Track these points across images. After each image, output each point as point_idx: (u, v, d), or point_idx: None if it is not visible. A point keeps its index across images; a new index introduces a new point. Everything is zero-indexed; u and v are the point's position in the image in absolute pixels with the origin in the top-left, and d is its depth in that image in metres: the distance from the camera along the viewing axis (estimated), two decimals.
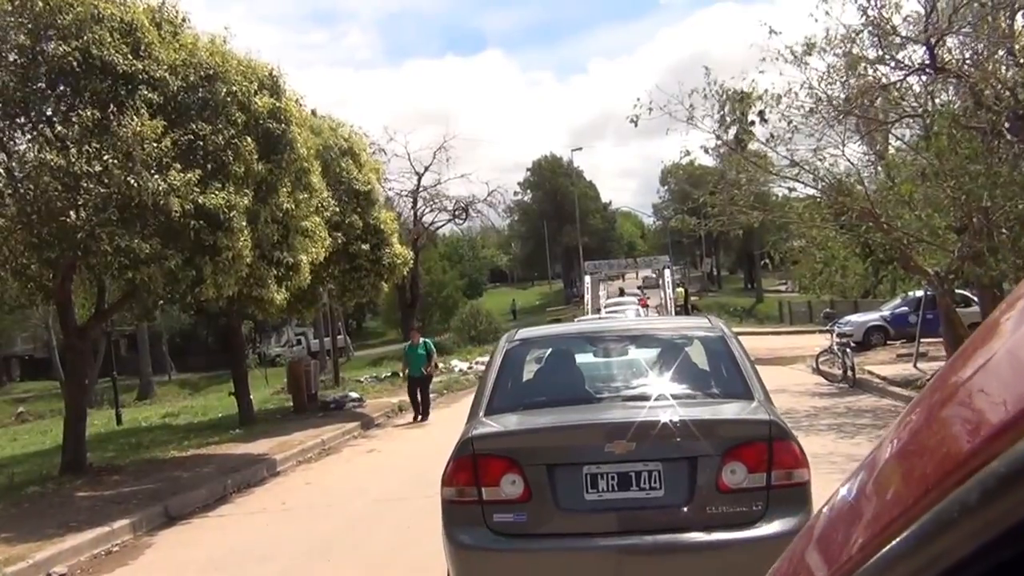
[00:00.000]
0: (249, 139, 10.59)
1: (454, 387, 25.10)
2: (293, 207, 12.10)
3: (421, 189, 28.64)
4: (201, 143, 10.17)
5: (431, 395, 18.88)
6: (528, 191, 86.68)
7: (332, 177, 17.63)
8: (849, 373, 17.81)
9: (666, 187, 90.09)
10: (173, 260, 9.79)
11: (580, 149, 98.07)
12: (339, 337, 54.61)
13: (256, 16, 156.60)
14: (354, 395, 20.74)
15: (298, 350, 58.23)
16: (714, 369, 5.17)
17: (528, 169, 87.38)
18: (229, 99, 10.47)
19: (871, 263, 18.70)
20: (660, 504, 4.25)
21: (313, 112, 19.43)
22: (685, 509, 4.23)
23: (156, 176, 9.52)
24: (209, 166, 10.24)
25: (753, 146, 15.11)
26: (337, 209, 17.25)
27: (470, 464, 4.40)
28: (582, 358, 5.64)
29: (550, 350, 5.64)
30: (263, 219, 11.41)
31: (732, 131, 14.88)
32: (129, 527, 8.94)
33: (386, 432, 16.67)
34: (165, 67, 10.21)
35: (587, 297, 55.08)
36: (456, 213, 29.33)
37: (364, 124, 29.04)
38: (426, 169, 28.57)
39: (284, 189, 11.87)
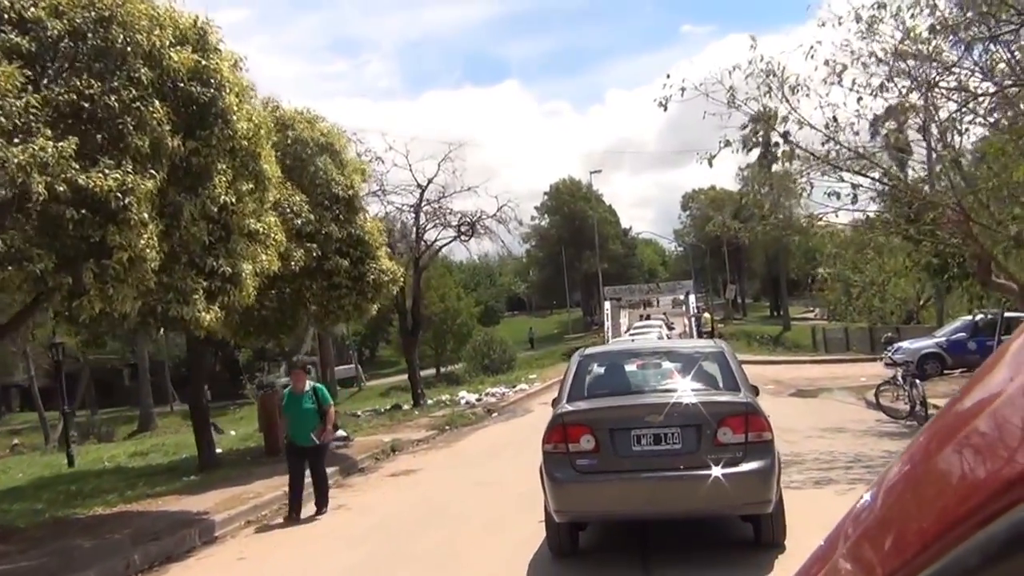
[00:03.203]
0: (159, 104, 8.00)
1: (458, 422, 22.14)
2: (234, 201, 9.49)
3: (424, 203, 25.91)
4: (87, 105, 7.58)
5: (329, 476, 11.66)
6: (545, 215, 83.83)
7: (307, 178, 15.12)
8: (919, 408, 15.08)
9: (687, 212, 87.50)
10: (41, 262, 7.17)
11: (599, 171, 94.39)
12: (350, 366, 52.04)
13: (279, 46, 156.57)
14: (340, 433, 17.91)
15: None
16: (715, 373, 7.61)
17: (546, 193, 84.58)
18: (130, 49, 7.89)
19: (947, 279, 15.85)
20: (679, 453, 6.89)
21: (302, 112, 16.98)
22: (694, 456, 6.84)
23: (16, 145, 6.93)
24: (99, 136, 7.63)
25: (811, 136, 12.47)
26: (312, 216, 14.71)
27: (561, 429, 7.05)
28: (628, 366, 8.42)
29: (607, 360, 8.45)
30: (188, 214, 8.80)
31: (782, 126, 12.27)
32: None
33: (367, 480, 13.90)
34: (43, 6, 7.66)
35: (607, 325, 52.07)
36: (462, 229, 26.54)
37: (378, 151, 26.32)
38: (429, 181, 25.87)
39: (221, 177, 9.27)
